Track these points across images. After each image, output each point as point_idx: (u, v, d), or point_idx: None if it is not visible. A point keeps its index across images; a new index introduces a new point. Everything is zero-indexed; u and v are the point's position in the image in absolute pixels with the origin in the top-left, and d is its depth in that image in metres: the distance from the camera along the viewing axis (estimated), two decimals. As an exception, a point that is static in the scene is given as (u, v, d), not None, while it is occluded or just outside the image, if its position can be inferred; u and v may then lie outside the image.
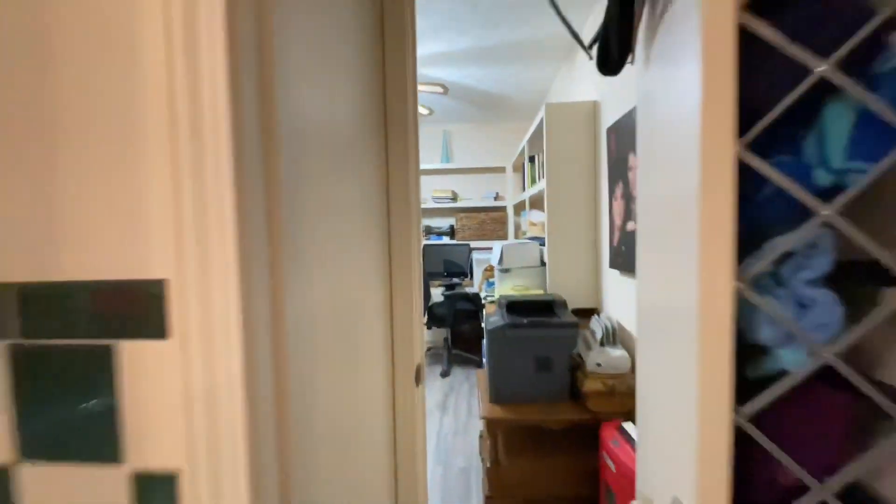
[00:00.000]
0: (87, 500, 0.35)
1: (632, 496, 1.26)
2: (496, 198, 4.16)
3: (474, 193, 4.31)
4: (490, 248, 3.97)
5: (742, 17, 0.45)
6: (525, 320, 1.67)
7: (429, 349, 3.93)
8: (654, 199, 0.84)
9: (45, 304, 0.35)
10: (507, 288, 2.31)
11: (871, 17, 0.42)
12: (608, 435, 1.42)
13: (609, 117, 1.86)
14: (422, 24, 2.17)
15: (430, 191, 4.27)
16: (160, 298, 0.33)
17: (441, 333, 3.94)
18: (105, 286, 0.34)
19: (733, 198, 0.45)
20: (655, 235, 0.84)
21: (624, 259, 1.66)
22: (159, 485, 0.34)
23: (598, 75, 2.08)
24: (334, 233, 0.59)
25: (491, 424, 1.65)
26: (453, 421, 2.51)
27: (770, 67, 0.47)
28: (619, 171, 1.67)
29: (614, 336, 1.68)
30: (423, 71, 2.76)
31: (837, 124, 0.46)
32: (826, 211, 0.44)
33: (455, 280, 3.79)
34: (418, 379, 0.96)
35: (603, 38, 0.80)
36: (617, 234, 1.73)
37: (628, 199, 1.59)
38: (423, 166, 4.14)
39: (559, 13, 0.79)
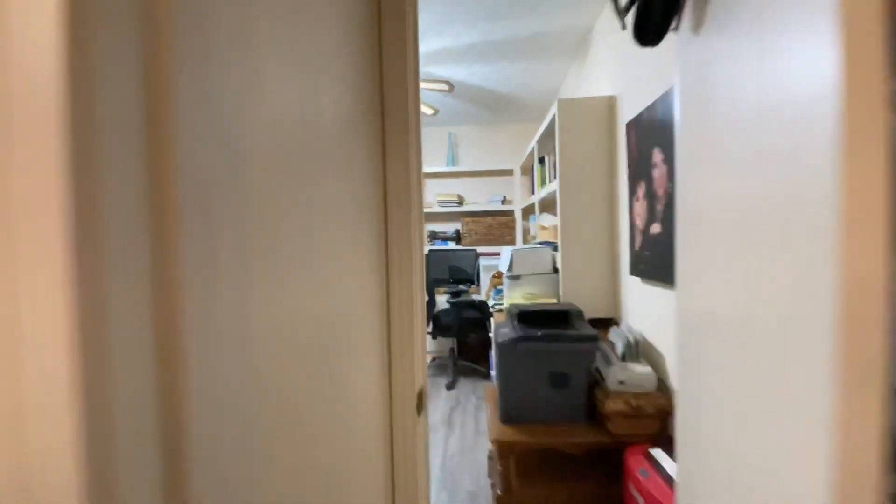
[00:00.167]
0: None
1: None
2: (503, 201, 4.03)
3: (481, 197, 4.18)
4: (498, 254, 3.82)
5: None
6: (539, 332, 1.52)
7: (433, 359, 3.78)
8: (710, 198, 0.70)
9: None
10: (517, 296, 2.16)
11: None
12: (635, 462, 1.27)
13: (628, 112, 1.73)
14: (425, 17, 2.05)
15: (435, 195, 4.15)
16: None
17: (446, 343, 3.79)
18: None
19: (887, 186, 0.31)
20: (713, 238, 0.70)
21: (648, 265, 1.51)
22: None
23: (615, 68, 1.96)
24: (302, 242, 0.46)
25: (502, 448, 1.50)
26: (460, 439, 2.35)
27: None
28: (641, 170, 1.53)
29: (637, 350, 1.53)
30: (427, 69, 2.64)
31: None
32: None
33: (461, 287, 3.64)
34: (420, 407, 0.82)
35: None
36: (639, 238, 1.58)
37: (652, 199, 1.44)
38: (427, 169, 4.01)
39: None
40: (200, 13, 0.28)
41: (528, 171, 3.96)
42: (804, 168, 0.36)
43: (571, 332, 1.54)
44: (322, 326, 0.51)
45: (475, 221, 3.99)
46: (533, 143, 2.75)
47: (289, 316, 0.41)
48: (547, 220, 2.54)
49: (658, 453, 1.25)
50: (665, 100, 1.33)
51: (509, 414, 1.56)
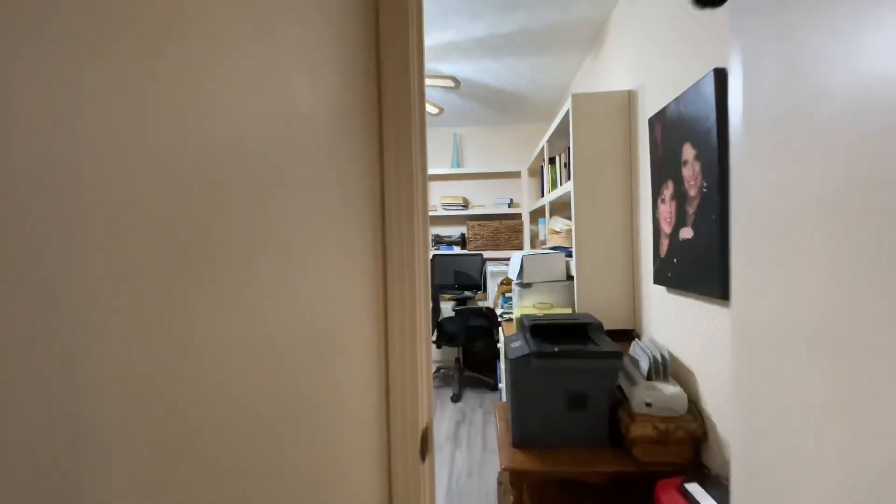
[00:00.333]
0: None
1: None
2: (510, 204, 3.89)
3: (487, 200, 4.04)
4: (506, 259, 3.68)
5: None
6: (555, 348, 1.38)
7: (438, 369, 3.63)
8: (782, 196, 0.56)
9: None
10: (528, 305, 2.01)
11: None
12: (668, 500, 1.12)
13: (650, 106, 1.58)
14: (429, 7, 1.93)
15: (440, 197, 4.01)
16: None
17: (452, 353, 3.64)
18: None
19: None
20: (788, 242, 0.56)
21: (675, 274, 1.37)
22: None
23: (634, 60, 1.82)
24: (261, 247, 0.32)
25: (514, 476, 1.35)
26: (467, 457, 2.20)
27: None
28: (668, 168, 1.39)
29: (665, 368, 1.38)
30: (431, 65, 2.51)
31: None
32: None
33: (467, 293, 3.50)
34: (425, 450, 0.68)
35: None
36: (665, 244, 1.43)
37: (682, 200, 1.30)
38: (432, 171, 3.88)
39: None
40: None
41: (536, 172, 3.82)
42: None
43: (591, 347, 1.40)
44: (293, 352, 0.37)
45: (481, 225, 3.85)
46: (543, 143, 2.61)
47: (241, 339, 0.28)
48: (558, 223, 2.39)
49: (696, 490, 1.10)
50: (698, 89, 1.19)
51: (522, 437, 1.41)
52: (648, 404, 1.30)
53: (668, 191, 1.40)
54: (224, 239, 0.29)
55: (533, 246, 3.75)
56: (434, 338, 3.18)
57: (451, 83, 2.24)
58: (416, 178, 0.68)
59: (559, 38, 2.22)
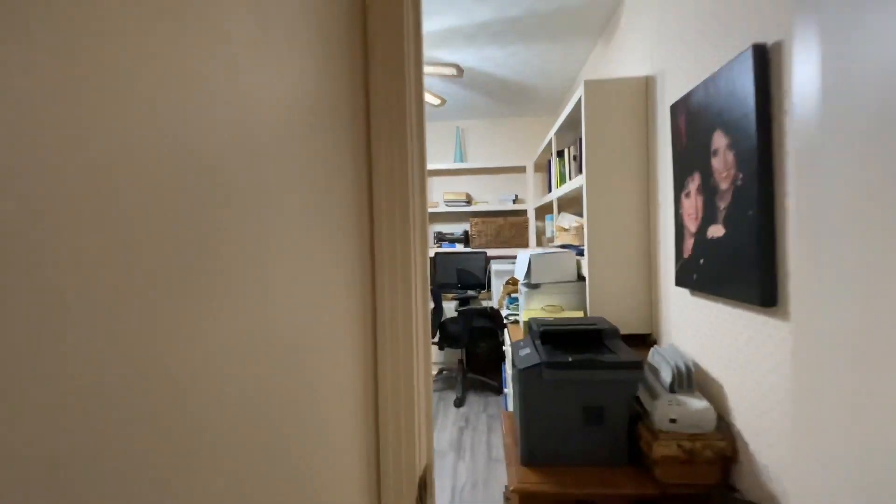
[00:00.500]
0: None
1: None
2: (515, 201, 3.75)
3: (491, 196, 3.91)
4: (510, 258, 3.55)
5: None
6: (569, 357, 1.25)
7: (441, 371, 3.51)
8: (865, 190, 0.43)
9: None
10: (536, 308, 1.89)
11: None
12: (699, 531, 0.99)
13: (672, 92, 1.45)
14: (431, -12, 1.79)
15: (442, 193, 3.89)
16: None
17: (454, 354, 3.53)
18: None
19: None
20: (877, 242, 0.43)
21: (702, 276, 1.24)
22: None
23: (652, 44, 1.68)
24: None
25: (524, 499, 1.23)
26: (471, 467, 2.09)
27: None
28: (694, 159, 1.26)
29: (689, 379, 1.26)
30: (432, 53, 2.38)
31: None
32: None
33: (470, 293, 3.37)
34: (424, 497, 0.55)
35: None
36: (689, 243, 1.30)
37: (711, 194, 1.17)
38: (434, 166, 3.75)
39: None
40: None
41: (542, 167, 3.69)
42: None
43: (608, 356, 1.27)
44: (240, 386, 0.25)
45: (485, 222, 3.72)
46: (550, 135, 2.47)
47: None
48: (566, 220, 2.26)
49: (731, 521, 0.98)
50: (732, 70, 1.05)
51: (532, 454, 1.29)
52: (673, 420, 1.18)
53: (693, 184, 1.27)
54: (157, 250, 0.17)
55: (539, 244, 3.62)
56: (436, 339, 3.06)
57: (453, 71, 2.11)
58: (411, 171, 0.56)
59: (569, 22, 2.08)
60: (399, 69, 0.56)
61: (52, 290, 0.16)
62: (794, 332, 0.84)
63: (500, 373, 3.42)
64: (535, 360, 1.29)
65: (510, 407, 2.33)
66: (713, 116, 1.15)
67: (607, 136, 1.68)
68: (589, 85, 1.68)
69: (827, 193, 0.53)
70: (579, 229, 2.08)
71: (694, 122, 1.25)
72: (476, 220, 3.73)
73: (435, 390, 3.24)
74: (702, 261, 1.24)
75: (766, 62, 0.97)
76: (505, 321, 2.36)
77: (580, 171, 1.94)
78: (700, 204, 1.23)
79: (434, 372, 3.53)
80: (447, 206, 3.77)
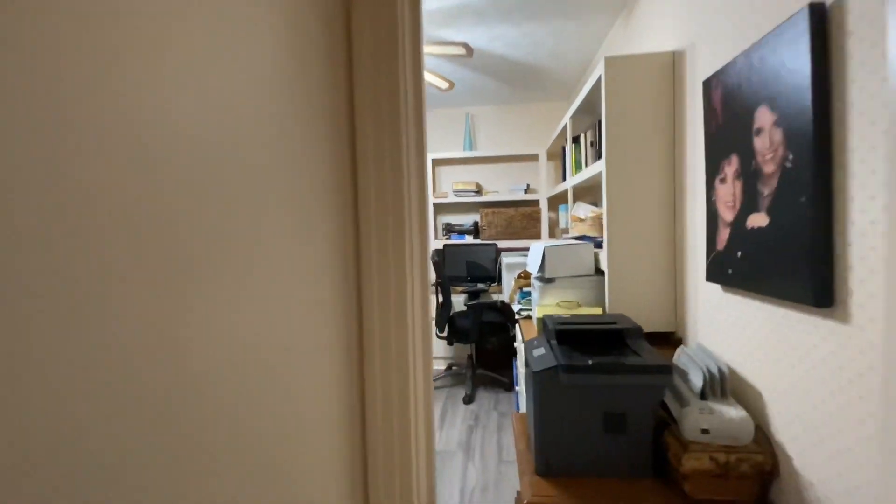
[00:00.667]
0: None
1: None
2: (527, 190, 3.62)
3: (502, 185, 3.78)
4: (522, 249, 3.43)
5: None
6: (589, 360, 1.14)
7: (449, 367, 3.42)
8: None
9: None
10: (550, 303, 1.77)
11: None
12: (738, 559, 0.88)
13: (704, 67, 1.31)
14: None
15: (451, 183, 3.77)
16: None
17: (464, 349, 3.43)
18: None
19: None
20: None
21: (739, 270, 1.11)
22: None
23: (679, 16, 1.53)
24: None
25: (539, 513, 1.13)
26: (481, 468, 2.00)
27: None
28: (733, 139, 1.12)
29: (723, 385, 1.14)
30: (438, 32, 2.24)
31: None
32: None
33: (480, 286, 3.26)
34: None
35: None
36: (724, 233, 1.17)
37: (752, 179, 1.03)
38: (442, 155, 3.62)
39: None
40: None
41: (555, 155, 3.54)
42: None
43: (633, 359, 1.15)
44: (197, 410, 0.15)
45: (495, 213, 3.60)
46: (565, 120, 2.33)
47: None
48: (582, 210, 2.13)
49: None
50: (782, 36, 0.92)
51: (548, 463, 1.19)
52: (705, 431, 1.06)
53: (730, 168, 1.13)
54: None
55: (552, 235, 3.49)
56: (445, 334, 2.96)
57: (461, 50, 1.98)
58: (405, 158, 0.45)
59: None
60: (390, 32, 0.44)
61: (24, 290, 0.16)
62: (856, 336, 0.72)
63: (510, 369, 3.32)
64: (552, 361, 1.18)
65: (521, 406, 2.23)
66: (756, 90, 1.01)
67: (629, 118, 1.55)
68: (610, 62, 1.54)
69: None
70: (597, 219, 1.96)
71: (732, 98, 1.12)
72: (486, 210, 3.61)
73: (443, 386, 3.16)
74: (739, 253, 1.11)
75: (824, 24, 0.83)
76: (517, 316, 2.25)
77: (598, 157, 1.81)
78: (738, 190, 1.10)
79: (442, 367, 3.44)
80: (456, 196, 3.65)
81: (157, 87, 0.22)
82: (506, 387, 3.07)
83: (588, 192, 2.74)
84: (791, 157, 0.90)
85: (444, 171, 3.84)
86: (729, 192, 1.14)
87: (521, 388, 2.28)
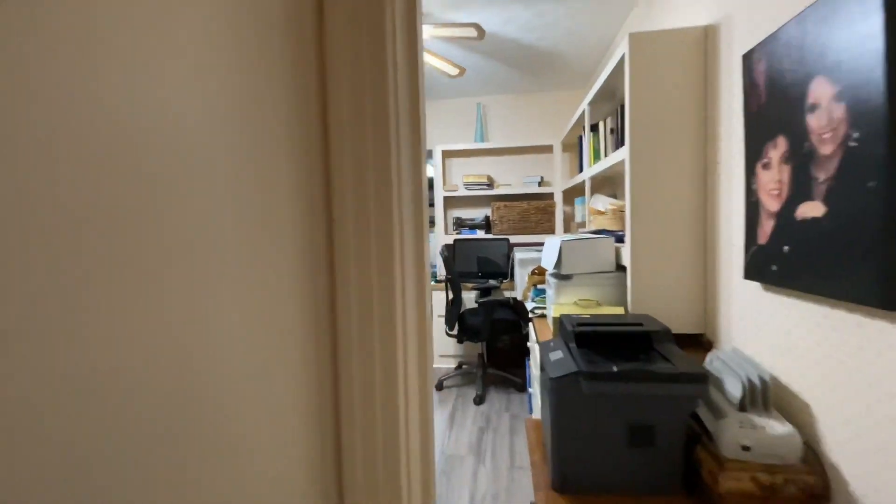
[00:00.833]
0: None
1: None
2: (541, 183, 3.48)
3: (514, 178, 3.65)
4: (535, 245, 3.30)
5: None
6: (614, 367, 1.02)
7: (460, 365, 3.32)
8: None
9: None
10: (567, 302, 1.66)
11: None
12: None
13: (745, 39, 1.17)
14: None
15: (461, 176, 3.65)
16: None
17: (474, 348, 3.33)
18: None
19: None
20: None
21: (787, 266, 0.98)
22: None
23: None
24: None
25: (557, 534, 1.03)
26: (492, 474, 1.89)
27: None
28: (779, 118, 0.99)
29: (766, 396, 1.01)
30: (448, 14, 2.12)
31: None
32: None
33: (491, 282, 3.15)
34: None
35: None
36: (768, 225, 1.05)
37: (805, 161, 0.90)
38: (452, 147, 3.51)
39: None
40: None
41: (570, 147, 3.40)
42: None
43: (662, 366, 1.04)
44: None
45: (507, 206, 3.47)
46: (583, 106, 2.20)
47: None
48: (601, 202, 2.00)
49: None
50: (847, -10, 0.78)
51: (566, 479, 1.08)
52: (746, 448, 0.94)
53: (776, 151, 1.00)
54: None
55: (567, 229, 3.36)
56: (455, 332, 2.86)
57: (472, 32, 1.86)
58: (392, 147, 0.34)
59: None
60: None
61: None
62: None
63: (523, 368, 3.21)
64: (571, 367, 1.06)
65: (535, 410, 2.12)
66: (812, 60, 0.88)
67: (656, 100, 1.42)
68: (636, 38, 1.41)
69: None
70: (617, 212, 1.83)
71: (779, 72, 0.98)
72: (498, 204, 3.49)
73: (453, 386, 3.06)
74: (786, 248, 0.98)
75: (903, -26, 0.70)
76: (530, 315, 2.14)
77: (620, 145, 1.68)
78: (786, 176, 0.97)
79: (452, 366, 3.34)
80: (467, 189, 3.54)
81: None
82: (518, 387, 2.96)
83: (607, 184, 2.61)
84: (856, 135, 0.77)
85: (454, 163, 3.73)
86: (774, 179, 1.01)
87: (534, 390, 2.17)
